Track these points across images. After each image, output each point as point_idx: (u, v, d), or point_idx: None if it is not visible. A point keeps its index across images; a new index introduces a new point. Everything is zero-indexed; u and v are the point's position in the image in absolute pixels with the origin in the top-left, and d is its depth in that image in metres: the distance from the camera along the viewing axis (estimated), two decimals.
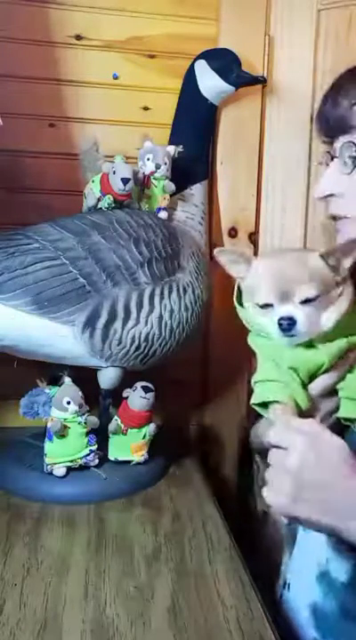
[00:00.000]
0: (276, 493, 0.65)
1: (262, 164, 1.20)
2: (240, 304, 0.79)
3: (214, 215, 1.19)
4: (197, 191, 1.10)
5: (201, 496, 0.95)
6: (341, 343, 0.74)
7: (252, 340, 0.80)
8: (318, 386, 0.75)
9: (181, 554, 0.79)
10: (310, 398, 0.75)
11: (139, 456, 0.97)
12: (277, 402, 0.74)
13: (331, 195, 0.82)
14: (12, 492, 0.93)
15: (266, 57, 1.16)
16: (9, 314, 0.89)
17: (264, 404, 0.75)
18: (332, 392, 0.76)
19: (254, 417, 0.84)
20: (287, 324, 0.70)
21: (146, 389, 0.96)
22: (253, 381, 0.78)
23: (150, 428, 0.97)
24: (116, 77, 1.13)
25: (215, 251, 0.77)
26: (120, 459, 0.97)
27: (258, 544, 0.91)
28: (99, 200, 0.98)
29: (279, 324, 0.71)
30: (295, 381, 0.74)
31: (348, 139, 0.78)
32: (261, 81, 1.12)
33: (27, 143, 1.11)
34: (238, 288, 0.79)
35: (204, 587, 0.72)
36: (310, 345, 0.74)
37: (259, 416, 0.79)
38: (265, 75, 1.15)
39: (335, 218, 0.83)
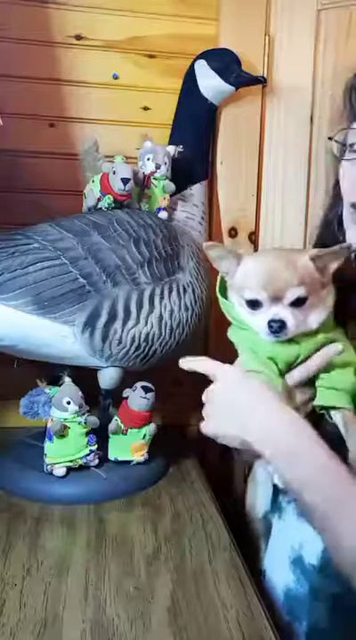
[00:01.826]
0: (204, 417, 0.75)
1: (262, 163, 1.20)
2: (223, 296, 0.81)
3: (214, 215, 1.19)
4: (197, 191, 1.10)
5: (201, 496, 0.95)
6: (318, 338, 0.77)
7: (233, 333, 0.82)
8: (291, 378, 0.78)
9: (181, 554, 0.79)
10: (286, 387, 0.77)
11: (139, 456, 0.97)
12: None
13: None
14: (12, 492, 0.93)
15: (266, 57, 1.16)
16: (9, 314, 0.89)
17: None
18: (307, 382, 0.79)
19: None
20: (278, 327, 0.73)
21: (146, 389, 0.96)
22: None
23: (150, 428, 0.97)
24: (116, 77, 1.13)
25: (205, 245, 0.80)
26: (120, 459, 0.97)
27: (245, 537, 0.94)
28: (99, 200, 0.98)
29: (270, 326, 0.73)
30: (272, 371, 0.77)
31: None
32: (261, 81, 1.12)
33: (27, 143, 1.11)
34: (221, 281, 0.81)
35: (204, 587, 0.72)
36: (289, 338, 0.76)
37: None
38: (265, 75, 1.15)
39: (355, 206, 0.82)
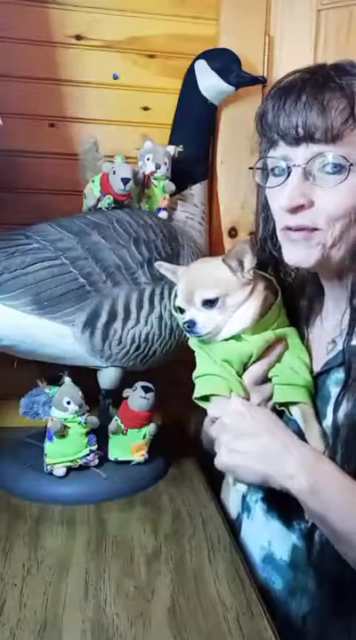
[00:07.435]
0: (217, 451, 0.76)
1: None
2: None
3: (214, 215, 1.19)
4: (197, 191, 1.10)
5: (201, 496, 0.95)
6: (267, 335, 0.81)
7: (190, 340, 0.86)
8: (247, 376, 0.80)
9: (181, 554, 0.79)
10: (245, 387, 0.80)
11: (139, 456, 0.97)
12: (216, 395, 0.80)
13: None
14: (12, 492, 0.93)
15: (266, 57, 1.16)
16: (9, 314, 0.89)
17: (205, 398, 0.82)
18: (264, 381, 0.82)
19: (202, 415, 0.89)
20: (188, 326, 0.79)
21: (146, 389, 0.96)
22: (193, 377, 0.84)
23: (150, 428, 0.97)
24: (116, 77, 1.13)
25: (156, 264, 0.86)
26: (120, 459, 0.97)
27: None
28: (99, 200, 0.98)
29: (185, 326, 0.80)
30: (230, 373, 0.80)
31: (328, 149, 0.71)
32: (261, 81, 1.12)
33: (27, 143, 1.11)
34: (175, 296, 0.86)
35: (204, 587, 0.73)
36: (239, 338, 0.80)
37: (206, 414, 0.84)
38: (265, 75, 1.15)
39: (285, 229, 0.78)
